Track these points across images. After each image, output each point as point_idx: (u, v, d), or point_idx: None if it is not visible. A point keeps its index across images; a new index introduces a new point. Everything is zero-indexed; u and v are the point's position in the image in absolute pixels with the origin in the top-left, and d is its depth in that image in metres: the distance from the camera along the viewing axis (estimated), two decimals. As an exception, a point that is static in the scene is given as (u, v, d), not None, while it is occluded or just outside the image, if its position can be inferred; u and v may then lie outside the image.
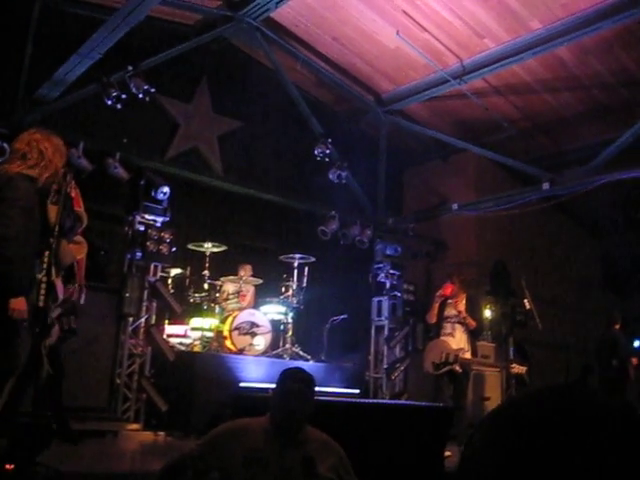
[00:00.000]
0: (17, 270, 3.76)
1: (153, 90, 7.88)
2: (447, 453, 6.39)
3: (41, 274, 3.89)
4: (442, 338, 7.47)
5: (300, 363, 8.50)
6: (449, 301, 7.65)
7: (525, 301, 7.50)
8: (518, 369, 7.56)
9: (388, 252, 10.22)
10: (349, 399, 6.74)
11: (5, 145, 7.07)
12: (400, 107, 10.93)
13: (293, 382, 3.14)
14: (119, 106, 7.74)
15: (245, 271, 9.05)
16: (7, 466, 3.46)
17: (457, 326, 7.50)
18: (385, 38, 9.39)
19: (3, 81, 7.80)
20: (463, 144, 10.63)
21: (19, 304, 3.74)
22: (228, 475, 3.02)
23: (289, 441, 3.07)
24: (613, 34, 8.46)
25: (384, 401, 7.73)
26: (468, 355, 7.41)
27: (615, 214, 12.04)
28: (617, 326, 9.72)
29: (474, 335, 7.57)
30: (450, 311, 7.57)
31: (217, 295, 8.78)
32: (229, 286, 9.05)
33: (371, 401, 7.42)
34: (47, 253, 3.91)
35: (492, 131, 10.93)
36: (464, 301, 7.62)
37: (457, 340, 7.41)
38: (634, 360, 9.55)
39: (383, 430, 4.53)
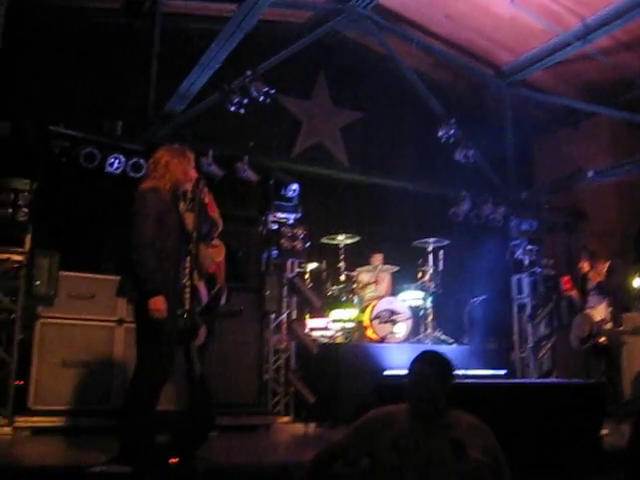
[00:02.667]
0: (149, 273, 3.97)
1: (273, 91, 8.05)
2: (604, 431, 6.14)
3: (184, 279, 4.10)
4: (586, 311, 7.18)
5: (442, 347, 8.44)
6: (589, 274, 7.34)
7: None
8: None
9: (524, 228, 9.90)
10: (495, 380, 6.61)
11: (142, 161, 7.47)
12: (522, 77, 10.56)
13: (417, 364, 3.13)
14: (242, 111, 7.97)
15: (377, 260, 9.09)
16: (171, 460, 3.67)
17: (598, 298, 7.18)
18: (499, 8, 9.10)
19: (134, 100, 8.22)
20: (594, 107, 10.15)
21: (157, 303, 3.94)
22: (378, 462, 3.05)
23: (435, 424, 3.05)
24: None
25: (532, 380, 7.53)
26: (610, 326, 7.06)
27: None
28: None
29: (608, 296, 7.19)
30: (590, 284, 7.27)
31: (354, 286, 8.87)
32: (364, 276, 9.11)
33: (518, 381, 7.26)
34: (188, 258, 4.12)
35: (624, 90, 10.33)
36: (602, 268, 7.27)
37: (599, 311, 7.09)
38: None
39: (534, 410, 4.41)
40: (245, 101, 7.94)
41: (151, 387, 4.03)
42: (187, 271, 4.11)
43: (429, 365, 3.13)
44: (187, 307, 4.06)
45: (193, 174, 4.39)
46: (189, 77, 7.71)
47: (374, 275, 8.98)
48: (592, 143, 11.11)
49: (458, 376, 3.24)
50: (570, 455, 4.37)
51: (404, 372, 7.18)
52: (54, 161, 7.23)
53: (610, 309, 7.14)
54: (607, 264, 7.31)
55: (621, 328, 7.24)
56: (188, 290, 4.09)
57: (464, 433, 3.07)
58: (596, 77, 10.30)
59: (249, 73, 7.95)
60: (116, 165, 7.44)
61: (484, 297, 9.48)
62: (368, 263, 9.08)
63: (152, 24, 8.39)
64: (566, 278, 7.61)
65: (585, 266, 7.33)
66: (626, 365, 8.17)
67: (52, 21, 8.59)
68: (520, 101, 10.78)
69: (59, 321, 6.44)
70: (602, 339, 6.99)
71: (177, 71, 8.00)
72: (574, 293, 7.52)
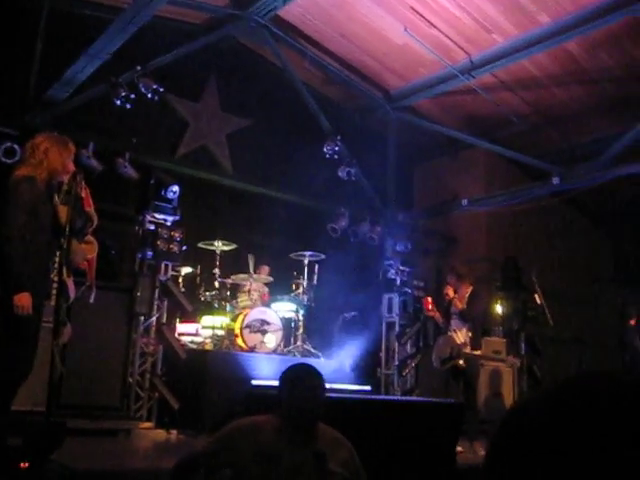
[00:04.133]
0: (17, 267, 3.80)
1: (162, 90, 7.91)
2: (459, 449, 6.40)
3: (52, 273, 3.93)
4: (449, 334, 7.45)
5: (311, 360, 8.50)
6: (453, 298, 7.61)
7: (536, 296, 7.47)
8: (511, 361, 7.58)
9: (398, 248, 10.19)
10: (360, 395, 6.74)
11: (15, 146, 7.12)
12: (409, 103, 10.91)
13: (309, 378, 3.15)
14: (128, 106, 7.77)
15: (264, 272, 9.11)
16: (22, 464, 3.49)
17: (460, 322, 7.47)
18: (393, 34, 9.37)
19: (13, 82, 7.84)
20: (472, 139, 10.61)
21: (22, 299, 3.77)
22: (240, 472, 3.03)
23: (300, 438, 3.07)
24: (622, 27, 8.40)
25: (395, 397, 7.73)
26: (468, 349, 7.38)
27: (627, 209, 11.97)
28: (632, 321, 9.66)
29: (465, 321, 7.50)
30: (453, 308, 7.55)
31: (228, 293, 8.82)
32: (244, 285, 9.08)
33: (381, 397, 7.43)
34: (58, 253, 3.95)
35: (502, 126, 10.89)
36: (465, 292, 7.56)
37: (460, 335, 7.39)
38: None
39: (394, 426, 4.53)
40: (132, 96, 7.75)
41: (8, 386, 3.84)
42: (56, 266, 3.95)
43: (317, 379, 3.16)
44: (52, 303, 3.90)
45: (71, 167, 4.24)
46: (76, 65, 7.45)
47: (249, 284, 8.95)
48: (469, 173, 11.62)
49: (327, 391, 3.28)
50: (427, 471, 4.51)
51: (273, 383, 7.20)
52: None
53: (469, 334, 7.43)
54: (470, 289, 7.60)
55: (479, 352, 7.55)
56: (55, 285, 3.92)
57: (327, 446, 3.11)
58: (477, 111, 10.80)
59: (139, 68, 7.78)
60: (-12, 150, 7.06)
61: (355, 313, 9.66)
62: (243, 272, 9.05)
63: (39, 5, 8.04)
64: (429, 299, 7.87)
65: (450, 290, 7.59)
66: (482, 387, 8.60)
67: None
68: (405, 126, 11.11)
69: None
70: (461, 362, 7.27)
71: (64, 57, 7.70)
72: (436, 315, 7.77)
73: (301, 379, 3.14)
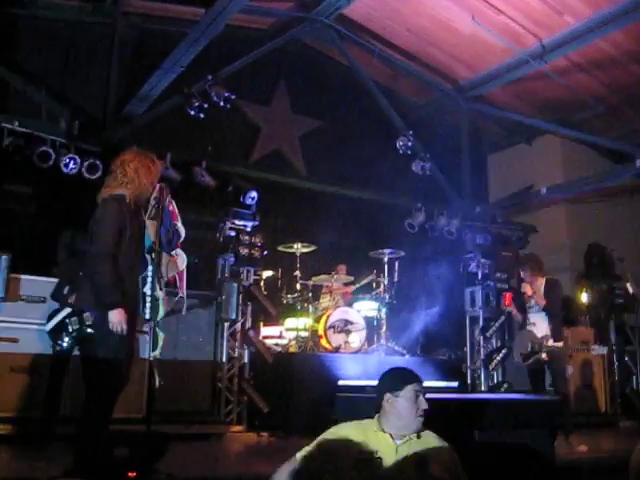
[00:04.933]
0: (110, 284, 3.87)
1: (233, 97, 8.00)
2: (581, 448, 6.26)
3: (145, 288, 4.02)
4: (528, 328, 7.27)
5: (396, 358, 8.49)
6: (529, 291, 7.40)
7: (627, 285, 7.23)
8: (597, 350, 7.34)
9: (478, 241, 10.04)
10: (455, 395, 6.65)
11: (98, 163, 7.34)
12: (480, 93, 10.73)
13: (419, 385, 3.14)
14: (202, 115, 7.90)
15: (341, 271, 9.14)
16: (130, 474, 3.60)
17: (538, 315, 7.28)
18: (461, 25, 9.23)
19: (93, 100, 8.08)
20: (548, 125, 10.36)
21: (117, 316, 3.85)
22: (340, 477, 3.04)
23: (402, 442, 3.07)
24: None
25: (493, 396, 7.57)
26: (551, 341, 7.18)
27: None
28: None
29: (552, 317, 7.29)
30: (530, 301, 7.36)
31: (310, 295, 8.87)
32: (324, 286, 9.13)
33: (476, 396, 7.31)
34: (150, 268, 4.04)
35: (578, 110, 10.59)
36: (540, 284, 7.36)
37: (540, 328, 7.20)
38: None
39: (491, 425, 4.46)
40: (205, 105, 7.87)
41: (108, 397, 3.95)
42: (149, 280, 4.04)
43: (420, 383, 3.17)
44: (147, 317, 3.99)
45: (156, 183, 4.31)
46: (151, 80, 7.61)
47: (331, 285, 9.00)
48: (545, 160, 11.35)
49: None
50: (527, 469, 4.43)
51: (359, 382, 7.22)
52: (6, 159, 7.05)
53: (550, 326, 7.25)
54: (544, 281, 7.39)
55: (561, 344, 7.32)
56: (149, 300, 4.01)
57: (427, 450, 3.09)
58: (551, 96, 10.52)
59: (210, 77, 7.89)
60: (71, 166, 7.29)
61: (438, 309, 9.56)
62: (326, 272, 9.09)
63: (113, 23, 8.26)
64: (508, 294, 7.70)
65: (527, 287, 7.39)
66: (572, 379, 8.39)
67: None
68: (478, 116, 10.95)
69: (8, 325, 6.27)
70: (544, 355, 7.10)
71: (139, 72, 7.89)
72: (514, 310, 7.60)
73: (414, 386, 3.13)
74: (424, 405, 3.10)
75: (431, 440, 3.18)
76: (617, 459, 5.09)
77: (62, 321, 5.00)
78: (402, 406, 3.07)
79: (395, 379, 3.19)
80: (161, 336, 4.19)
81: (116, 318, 3.83)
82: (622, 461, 4.12)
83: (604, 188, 9.36)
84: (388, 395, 3.12)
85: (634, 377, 9.47)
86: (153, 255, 4.04)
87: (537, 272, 7.33)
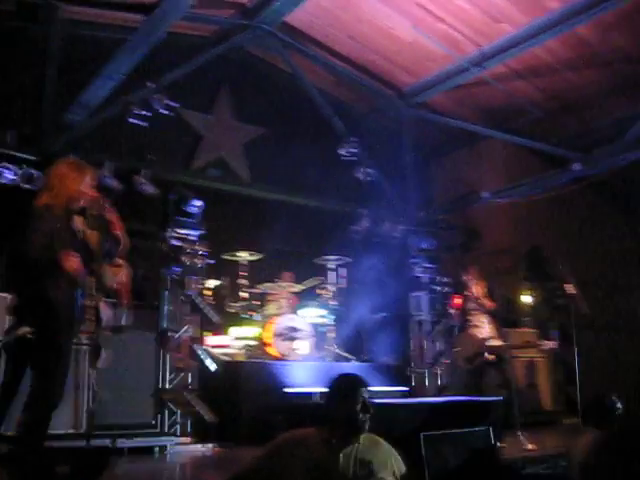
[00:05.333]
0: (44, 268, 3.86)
1: (175, 105, 7.91)
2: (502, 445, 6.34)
3: (87, 299, 3.93)
4: (469, 331, 7.37)
5: (343, 364, 8.50)
6: (472, 294, 7.51)
7: (568, 286, 7.39)
8: (548, 345, 7.50)
9: (422, 246, 10.15)
10: (399, 400, 6.70)
11: (33, 172, 7.15)
12: (422, 99, 10.85)
13: (364, 390, 3.14)
14: (143, 124, 7.79)
15: (287, 278, 9.10)
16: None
17: (481, 317, 7.39)
18: (401, 32, 9.32)
19: (29, 109, 7.88)
20: (488, 131, 10.52)
21: (69, 261, 3.81)
22: (289, 486, 3.01)
23: (348, 447, 3.06)
24: (632, 7, 8.28)
25: (437, 399, 7.66)
26: (497, 341, 7.30)
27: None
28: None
29: (496, 319, 7.44)
30: (471, 304, 7.46)
31: (256, 303, 8.82)
32: (270, 294, 9.08)
33: (420, 400, 7.37)
34: (91, 278, 3.96)
35: (517, 115, 10.79)
36: (481, 288, 7.49)
37: (484, 330, 7.31)
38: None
39: (436, 427, 4.49)
40: (146, 113, 7.76)
41: (43, 412, 3.84)
42: (90, 291, 3.95)
43: (367, 388, 3.17)
44: (89, 329, 3.90)
45: (90, 192, 4.25)
46: (90, 87, 7.47)
47: (278, 293, 8.95)
48: (487, 165, 11.52)
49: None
50: (471, 469, 4.47)
51: (307, 389, 7.20)
52: None
53: (493, 326, 7.37)
54: (484, 285, 7.52)
55: (503, 343, 7.46)
56: (91, 311, 3.93)
57: (370, 453, 3.10)
58: (492, 102, 10.71)
59: (151, 85, 7.79)
60: (8, 176, 7.09)
61: (384, 314, 9.62)
62: (270, 280, 9.04)
63: (49, 29, 8.07)
64: (456, 297, 7.79)
65: (477, 289, 7.51)
66: (518, 377, 8.57)
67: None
68: (420, 122, 11.06)
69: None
70: (490, 356, 7.18)
71: (77, 79, 7.73)
72: (456, 313, 7.71)
73: (353, 390, 3.13)
74: (370, 410, 3.10)
75: (377, 444, 3.19)
76: (560, 455, 5.18)
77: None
78: (349, 411, 3.06)
79: (342, 385, 3.20)
80: (103, 348, 4.11)
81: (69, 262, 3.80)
82: (564, 457, 4.22)
83: (543, 191, 9.54)
84: (336, 401, 3.12)
85: (576, 376, 9.68)
86: (94, 265, 3.96)
87: (479, 277, 7.46)
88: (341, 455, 3.05)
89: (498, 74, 9.88)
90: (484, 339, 7.22)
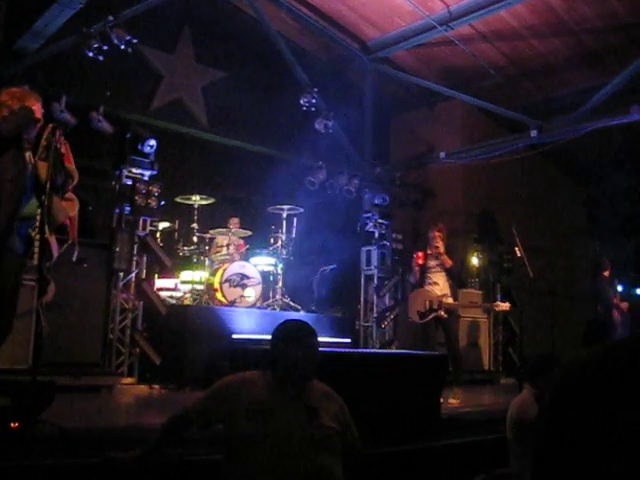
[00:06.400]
0: None
1: (135, 41, 7.72)
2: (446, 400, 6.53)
3: (34, 232, 3.85)
4: (426, 287, 7.48)
5: (291, 314, 8.56)
6: (429, 252, 7.61)
7: (516, 249, 7.53)
8: (502, 307, 7.67)
9: (376, 201, 10.17)
10: (347, 349, 6.80)
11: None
12: (386, 55, 10.80)
13: (307, 337, 3.16)
14: (101, 58, 7.58)
15: (233, 224, 9.05)
16: (12, 424, 3.48)
17: (439, 275, 7.50)
18: (370, -16, 9.22)
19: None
20: (450, 92, 10.53)
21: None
22: (232, 427, 3.05)
23: (292, 392, 3.10)
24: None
25: (381, 351, 7.81)
26: (451, 300, 7.45)
27: (600, 161, 12.06)
28: (606, 272, 9.80)
29: (453, 278, 7.58)
30: (431, 262, 7.56)
31: (207, 248, 8.79)
32: (220, 239, 9.05)
33: (368, 350, 7.51)
34: (39, 210, 3.87)
35: (479, 78, 10.84)
36: (442, 243, 7.59)
37: (441, 287, 7.43)
38: (624, 305, 9.66)
39: (381, 379, 4.59)
40: (105, 48, 7.55)
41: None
42: (37, 224, 3.87)
43: (314, 336, 3.18)
44: (35, 262, 3.84)
45: (38, 117, 4.12)
46: (46, 14, 7.21)
47: (227, 238, 8.92)
48: (446, 125, 11.59)
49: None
50: (413, 422, 4.59)
51: (253, 336, 7.24)
52: None
53: (449, 284, 7.50)
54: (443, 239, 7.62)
55: (457, 302, 7.67)
56: (37, 244, 3.85)
57: (318, 401, 3.14)
58: (455, 63, 10.72)
59: (111, 19, 7.57)
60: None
61: (334, 266, 9.69)
62: (222, 226, 9.00)
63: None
64: (420, 253, 7.83)
65: (440, 244, 7.55)
66: (461, 336, 8.81)
67: None
68: (382, 78, 11.02)
69: None
70: (442, 313, 7.30)
71: (33, 5, 7.45)
72: (417, 268, 7.77)
73: (299, 337, 3.15)
74: (313, 356, 3.13)
75: (321, 390, 3.23)
76: (496, 412, 5.36)
77: None
78: (293, 356, 3.09)
79: (288, 330, 3.21)
80: (50, 283, 4.05)
81: None
82: (501, 414, 4.36)
83: (499, 155, 9.65)
84: (281, 346, 3.14)
85: (516, 337, 9.97)
86: (43, 197, 3.87)
87: (444, 234, 7.55)
88: (287, 400, 3.08)
89: (463, 35, 9.89)
90: (440, 296, 7.33)
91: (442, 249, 7.43)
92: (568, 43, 9.90)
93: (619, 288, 10.46)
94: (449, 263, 7.39)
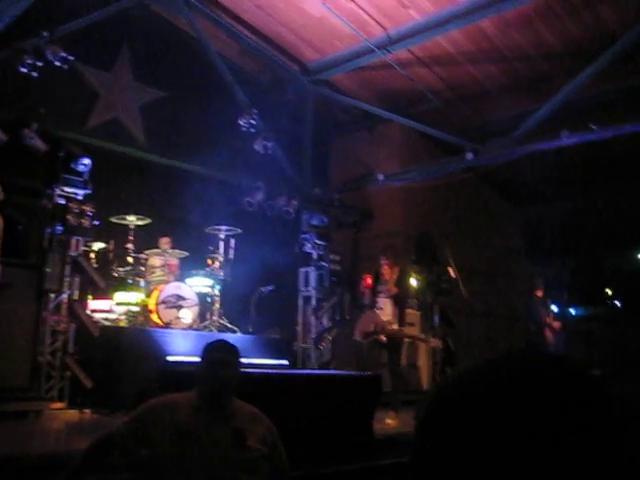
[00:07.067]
0: None
1: (71, 58, 7.59)
2: (388, 420, 6.59)
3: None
4: (375, 310, 7.63)
5: (227, 335, 8.46)
6: (384, 277, 7.81)
7: (450, 270, 7.67)
8: (434, 343, 7.86)
9: (314, 222, 10.20)
10: (276, 370, 6.75)
11: None
12: (326, 77, 10.88)
13: (217, 352, 3.12)
14: (35, 74, 7.43)
15: (165, 243, 8.93)
16: None
17: (385, 300, 7.68)
18: (310, 6, 9.29)
19: None
20: (388, 114, 10.67)
21: None
22: (156, 451, 2.98)
23: (217, 414, 3.05)
24: (533, 8, 8.62)
25: (312, 371, 7.79)
26: (395, 326, 7.59)
27: (536, 183, 12.35)
28: (539, 292, 10.03)
29: (398, 303, 7.75)
30: (380, 286, 7.74)
31: (142, 269, 8.65)
32: (155, 260, 8.91)
33: (299, 371, 7.47)
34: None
35: (417, 102, 11.01)
36: (395, 273, 7.80)
37: (386, 313, 7.60)
38: (556, 324, 9.90)
39: (313, 400, 4.55)
40: (39, 64, 7.41)
41: None
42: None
43: (231, 354, 3.13)
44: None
45: None
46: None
47: (163, 259, 8.80)
48: (385, 148, 11.71)
49: (243, 365, 3.26)
50: (345, 442, 4.56)
51: (191, 358, 7.13)
52: None
53: (395, 311, 7.66)
54: (398, 271, 7.83)
55: (405, 329, 7.79)
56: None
57: (244, 422, 3.10)
58: (394, 86, 10.87)
59: (46, 34, 7.43)
60: None
61: (272, 287, 9.64)
62: (157, 246, 8.88)
63: None
64: (369, 276, 8.04)
65: (387, 271, 7.79)
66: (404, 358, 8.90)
67: None
68: (322, 100, 11.09)
69: None
70: (382, 337, 7.46)
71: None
72: (368, 292, 7.98)
73: (212, 354, 3.11)
74: (229, 374, 3.07)
75: (249, 412, 3.19)
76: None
77: None
78: (210, 375, 3.04)
79: (205, 349, 3.18)
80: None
81: None
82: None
83: (437, 178, 9.80)
84: (199, 365, 3.11)
85: (454, 357, 10.08)
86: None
87: (394, 262, 7.74)
88: (212, 421, 3.03)
89: (402, 59, 10.04)
90: (384, 321, 7.50)
91: (388, 276, 7.63)
92: (502, 69, 10.16)
93: (554, 308, 10.70)
94: (393, 290, 7.58)
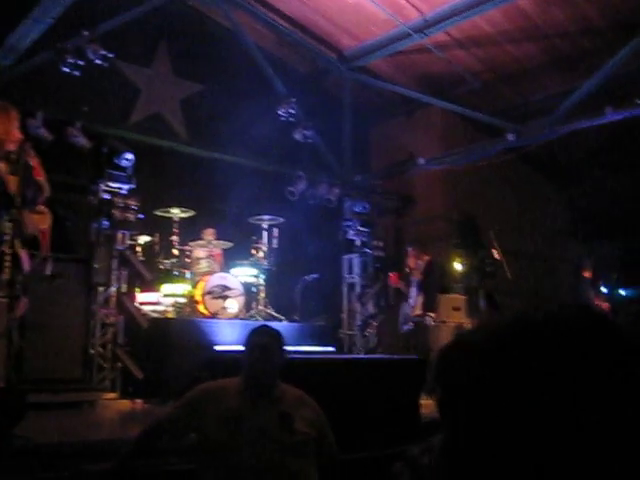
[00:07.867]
0: None
1: (111, 55, 7.71)
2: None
3: (4, 245, 3.83)
4: (409, 300, 7.76)
5: (273, 324, 8.51)
6: (413, 270, 7.95)
7: (494, 252, 7.62)
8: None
9: (356, 209, 10.21)
10: (324, 355, 6.79)
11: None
12: (363, 63, 10.84)
13: (258, 337, 3.16)
14: (77, 73, 7.57)
15: (209, 235, 9.03)
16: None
17: (412, 289, 7.82)
18: (345, -7, 9.27)
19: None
20: (427, 98, 10.59)
21: None
22: (205, 436, 3.04)
23: (263, 398, 3.09)
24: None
25: (357, 355, 7.84)
26: (418, 312, 7.75)
27: (581, 162, 12.15)
28: (587, 274, 9.89)
29: (425, 290, 7.87)
30: (412, 278, 7.89)
31: (187, 260, 8.76)
32: (199, 251, 9.03)
33: (344, 356, 7.52)
34: (10, 224, 3.85)
35: (456, 84, 10.90)
36: (422, 262, 7.90)
37: (413, 301, 7.74)
38: (605, 306, 9.75)
39: (359, 384, 4.58)
40: (80, 63, 7.54)
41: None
42: (8, 237, 3.84)
43: (271, 338, 3.17)
44: (7, 276, 3.81)
45: (16, 134, 4.11)
46: (18, 30, 7.19)
47: (208, 250, 8.90)
48: (424, 132, 11.61)
49: (288, 352, 3.30)
50: (392, 426, 4.58)
51: (238, 347, 7.22)
52: None
53: (422, 300, 7.78)
54: (427, 260, 7.88)
55: (432, 315, 7.87)
56: (8, 258, 3.83)
57: (291, 406, 3.13)
58: (432, 70, 10.77)
59: (86, 34, 7.55)
60: None
61: (316, 275, 9.69)
62: (201, 238, 8.99)
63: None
64: (393, 275, 8.14)
65: (411, 261, 7.87)
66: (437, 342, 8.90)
67: None
68: (360, 86, 11.06)
69: None
70: (412, 325, 7.60)
71: (3, 22, 7.43)
72: (400, 285, 8.06)
73: (253, 338, 3.15)
74: (270, 358, 3.10)
75: (295, 396, 3.23)
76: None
77: None
78: (251, 359, 3.08)
79: (247, 335, 3.21)
80: (20, 298, 4.02)
81: None
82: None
83: (478, 160, 9.70)
84: (244, 350, 3.15)
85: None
86: (13, 211, 3.85)
87: (424, 251, 7.83)
88: (258, 406, 3.07)
89: (439, 42, 9.93)
90: (412, 309, 7.62)
91: (412, 264, 7.75)
92: (542, 47, 9.98)
93: (603, 289, 10.54)
94: (418, 277, 7.71)
